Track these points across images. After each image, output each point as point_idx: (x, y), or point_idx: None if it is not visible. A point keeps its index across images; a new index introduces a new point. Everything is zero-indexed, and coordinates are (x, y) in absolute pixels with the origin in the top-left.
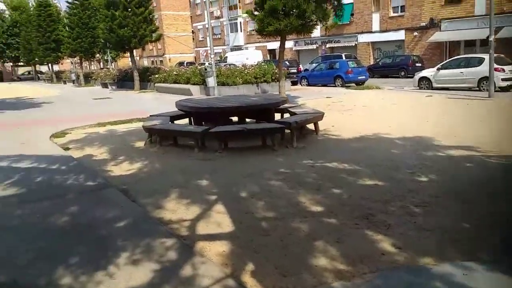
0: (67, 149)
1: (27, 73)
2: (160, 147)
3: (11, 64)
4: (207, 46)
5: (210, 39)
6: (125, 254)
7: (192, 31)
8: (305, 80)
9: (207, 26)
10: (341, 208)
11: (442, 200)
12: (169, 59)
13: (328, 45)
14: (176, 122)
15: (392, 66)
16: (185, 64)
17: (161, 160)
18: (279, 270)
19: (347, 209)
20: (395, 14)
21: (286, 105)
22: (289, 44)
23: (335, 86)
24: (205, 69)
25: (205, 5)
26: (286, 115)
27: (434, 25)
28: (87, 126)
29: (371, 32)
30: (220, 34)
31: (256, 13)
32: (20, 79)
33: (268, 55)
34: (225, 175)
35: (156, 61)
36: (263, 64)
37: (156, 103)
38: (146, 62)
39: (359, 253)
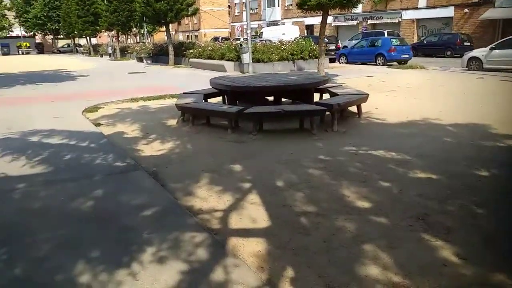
0: (98, 125)
1: (66, 45)
2: (193, 126)
3: (52, 36)
4: (243, 21)
5: (247, 13)
6: (151, 250)
7: (228, 5)
8: (344, 57)
9: (243, 0)
10: (392, 205)
11: (509, 200)
12: (204, 34)
13: (369, 22)
14: (209, 100)
15: (438, 45)
16: (219, 40)
17: (193, 141)
18: (322, 279)
19: (398, 206)
20: None
21: (326, 84)
22: (328, 19)
23: (376, 65)
24: (241, 45)
25: None
26: (325, 96)
27: (487, 1)
28: (120, 101)
29: (416, 8)
30: (256, 8)
31: None
32: (59, 51)
33: (305, 31)
34: (259, 160)
35: (191, 36)
36: (300, 40)
37: (190, 79)
38: (181, 37)
39: (416, 262)
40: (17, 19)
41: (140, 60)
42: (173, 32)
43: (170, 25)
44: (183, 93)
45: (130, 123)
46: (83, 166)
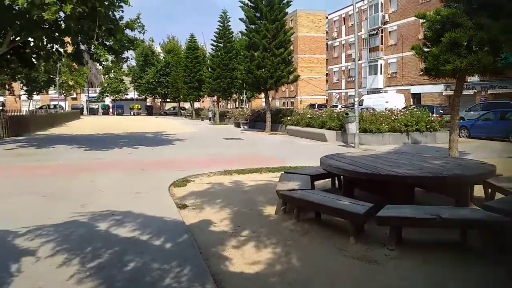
0: (183, 206)
1: (172, 108)
2: (297, 222)
3: (160, 100)
4: (341, 89)
5: (356, 81)
6: None
7: (327, 73)
8: (466, 130)
9: (343, 68)
10: None
11: None
12: (300, 101)
13: (489, 91)
14: (316, 182)
15: None
16: (316, 107)
17: (299, 250)
18: None
19: None
20: None
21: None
22: (437, 88)
23: (509, 142)
24: (346, 114)
25: (346, 48)
26: (477, 188)
27: None
28: (212, 174)
29: None
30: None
31: (426, 49)
32: (166, 113)
33: (411, 100)
34: None
35: (287, 102)
36: (415, 109)
37: (288, 148)
38: (277, 103)
39: None
40: (132, 84)
41: (237, 125)
42: (270, 99)
43: (269, 92)
44: (285, 172)
45: (220, 206)
46: None
